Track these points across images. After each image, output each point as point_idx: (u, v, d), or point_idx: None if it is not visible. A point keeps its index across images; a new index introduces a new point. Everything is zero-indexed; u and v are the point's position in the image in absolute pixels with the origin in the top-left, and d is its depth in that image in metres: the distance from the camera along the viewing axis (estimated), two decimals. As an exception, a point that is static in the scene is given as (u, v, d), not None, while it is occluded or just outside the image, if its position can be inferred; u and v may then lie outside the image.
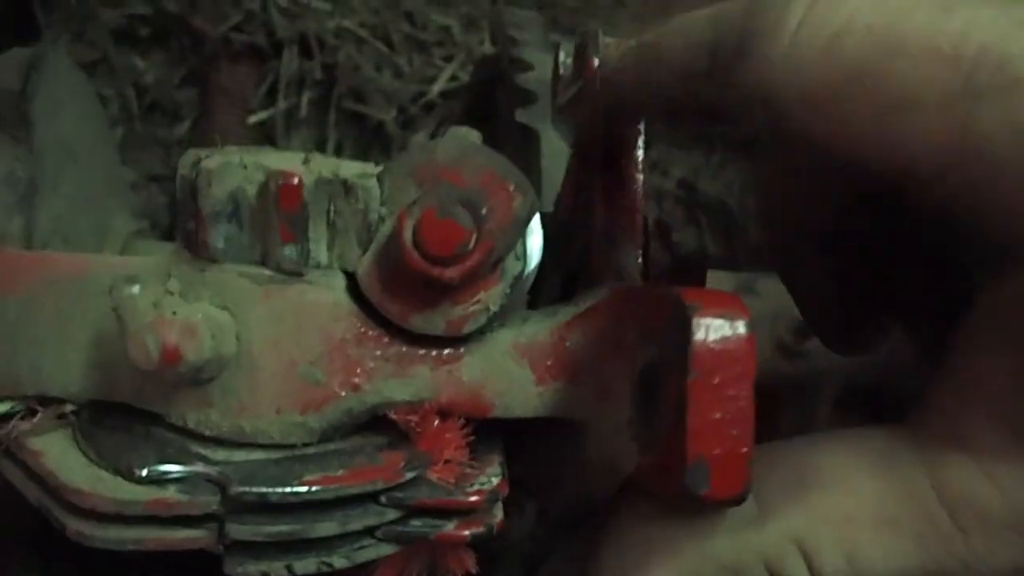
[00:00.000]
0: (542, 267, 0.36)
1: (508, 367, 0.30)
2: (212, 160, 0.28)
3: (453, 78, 0.86)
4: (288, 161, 0.29)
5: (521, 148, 0.54)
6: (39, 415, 0.29)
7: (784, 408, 0.70)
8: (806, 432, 0.65)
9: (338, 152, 0.86)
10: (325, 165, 0.29)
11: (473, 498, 0.29)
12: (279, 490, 0.27)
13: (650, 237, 0.37)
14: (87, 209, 0.45)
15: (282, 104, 0.85)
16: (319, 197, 0.28)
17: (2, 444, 0.28)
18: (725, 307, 0.25)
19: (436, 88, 0.85)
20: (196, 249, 0.28)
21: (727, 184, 0.89)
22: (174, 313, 0.26)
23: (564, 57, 0.37)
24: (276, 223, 0.27)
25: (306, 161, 0.30)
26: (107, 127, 0.62)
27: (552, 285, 0.37)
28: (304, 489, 0.27)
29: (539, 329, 0.31)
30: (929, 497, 0.26)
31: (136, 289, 0.26)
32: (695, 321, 0.24)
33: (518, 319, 0.31)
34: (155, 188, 0.93)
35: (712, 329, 0.24)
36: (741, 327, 0.25)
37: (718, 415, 0.24)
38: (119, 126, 0.95)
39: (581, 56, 0.36)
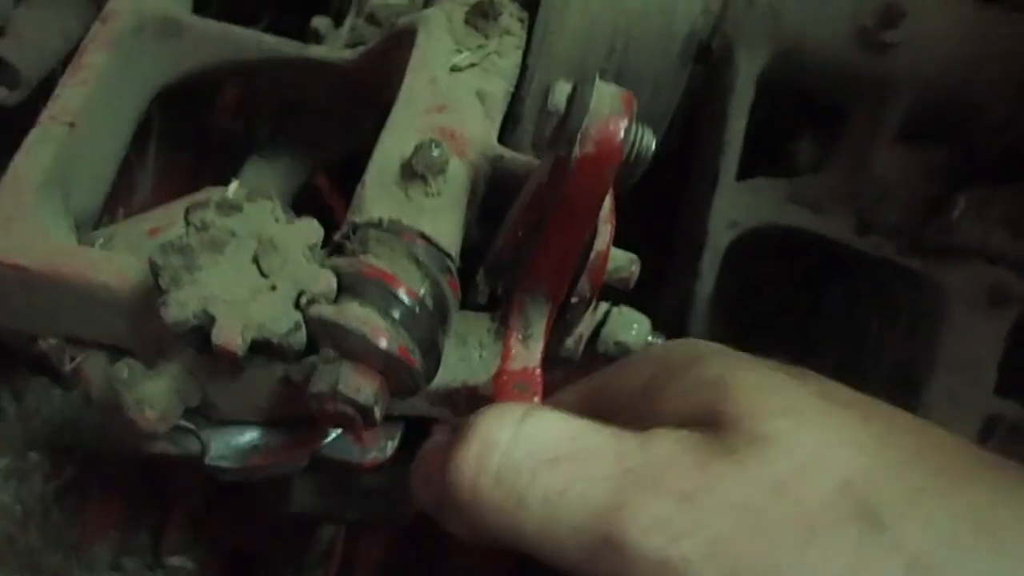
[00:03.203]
0: (473, 269, 0.42)
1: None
2: (173, 295, 0.34)
3: None
4: (241, 290, 0.35)
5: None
6: (86, 353, 0.41)
7: (849, 119, 0.68)
8: (865, 149, 0.68)
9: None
10: (273, 304, 0.35)
11: (368, 460, 0.44)
12: (234, 466, 0.42)
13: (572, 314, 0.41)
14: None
15: None
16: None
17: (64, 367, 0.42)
18: None
19: None
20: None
21: None
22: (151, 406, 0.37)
23: (556, 96, 0.36)
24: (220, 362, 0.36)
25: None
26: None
27: (481, 292, 0.42)
28: (249, 465, 0.42)
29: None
30: None
31: (125, 377, 0.37)
32: None
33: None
34: None
35: None
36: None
37: None
38: None
39: (572, 102, 0.35)
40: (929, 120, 0.67)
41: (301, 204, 0.59)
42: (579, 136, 0.34)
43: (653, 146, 0.37)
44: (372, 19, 0.53)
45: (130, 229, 0.45)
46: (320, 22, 0.61)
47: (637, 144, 0.36)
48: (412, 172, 0.38)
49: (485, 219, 0.44)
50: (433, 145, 0.38)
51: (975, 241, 0.68)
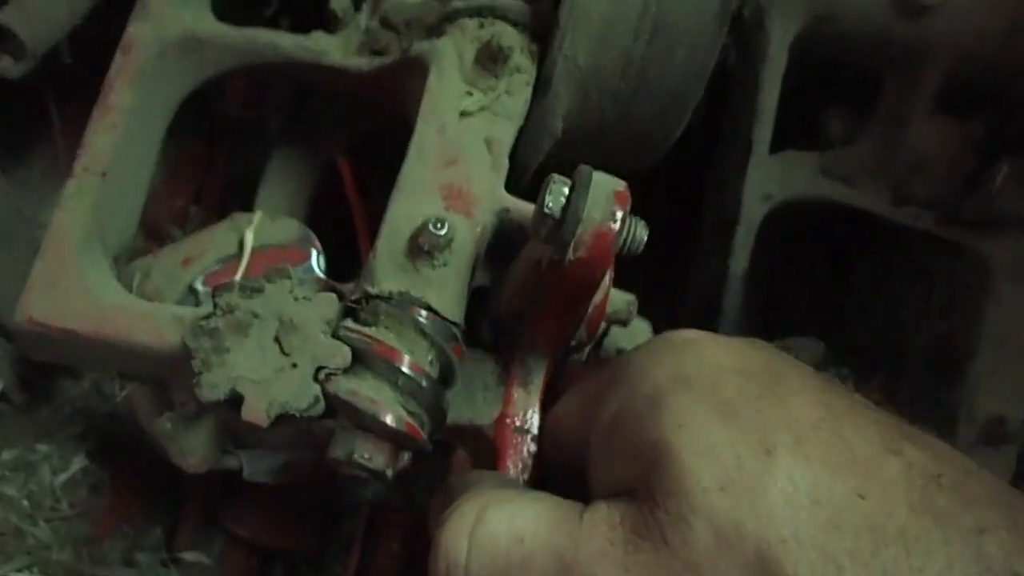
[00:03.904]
0: (479, 304, 0.45)
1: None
2: (205, 377, 0.38)
3: None
4: (265, 369, 0.38)
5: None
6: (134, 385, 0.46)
7: (883, 89, 0.65)
8: (900, 120, 0.66)
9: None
10: (294, 381, 0.38)
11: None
12: (268, 482, 0.47)
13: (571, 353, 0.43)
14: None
15: None
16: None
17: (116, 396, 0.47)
18: None
19: None
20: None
21: None
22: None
23: (552, 200, 0.37)
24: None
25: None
26: None
27: (486, 335, 0.45)
28: (282, 480, 0.47)
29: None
30: None
31: (168, 429, 0.42)
32: None
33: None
34: None
35: None
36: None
37: None
38: None
39: (567, 209, 0.37)
40: (964, 90, 0.64)
41: (323, 192, 0.61)
42: (572, 243, 0.36)
43: (645, 237, 0.38)
44: (386, 23, 0.52)
45: (165, 261, 0.48)
46: (338, 3, 0.60)
47: (629, 240, 0.37)
48: (418, 248, 0.40)
49: (491, 260, 0.46)
50: (438, 224, 0.40)
51: (1017, 212, 0.66)
